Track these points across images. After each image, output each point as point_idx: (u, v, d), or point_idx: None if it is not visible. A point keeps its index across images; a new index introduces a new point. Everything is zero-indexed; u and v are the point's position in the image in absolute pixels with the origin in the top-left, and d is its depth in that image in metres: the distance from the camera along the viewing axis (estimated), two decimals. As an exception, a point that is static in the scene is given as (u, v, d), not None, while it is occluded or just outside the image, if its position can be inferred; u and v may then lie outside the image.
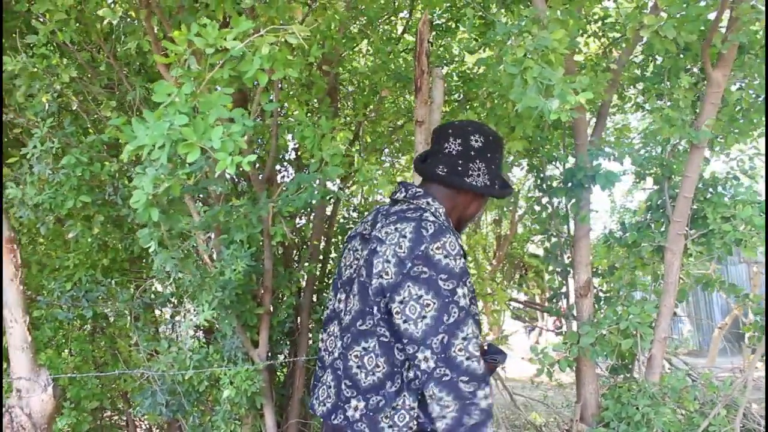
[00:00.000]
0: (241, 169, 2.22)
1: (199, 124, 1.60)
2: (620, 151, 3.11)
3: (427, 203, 1.72)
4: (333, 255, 4.06)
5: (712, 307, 12.67)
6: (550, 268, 3.59)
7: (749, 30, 2.69)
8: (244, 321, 3.04)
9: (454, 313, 1.53)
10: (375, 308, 1.61)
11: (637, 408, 2.84)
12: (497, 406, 4.62)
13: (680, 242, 3.04)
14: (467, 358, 1.51)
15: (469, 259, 7.71)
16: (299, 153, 3.86)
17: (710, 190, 3.22)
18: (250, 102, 3.27)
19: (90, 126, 3.20)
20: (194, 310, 3.25)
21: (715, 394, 3.18)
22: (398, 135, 4.68)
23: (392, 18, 4.70)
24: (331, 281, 3.99)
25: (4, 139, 3.18)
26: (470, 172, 1.75)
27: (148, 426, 4.52)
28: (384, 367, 1.60)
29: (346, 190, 4.37)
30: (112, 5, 3.07)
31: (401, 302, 1.56)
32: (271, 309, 3.23)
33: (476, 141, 1.76)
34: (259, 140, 3.50)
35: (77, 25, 2.80)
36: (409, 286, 1.55)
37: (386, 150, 5.06)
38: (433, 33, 4.31)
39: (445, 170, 1.76)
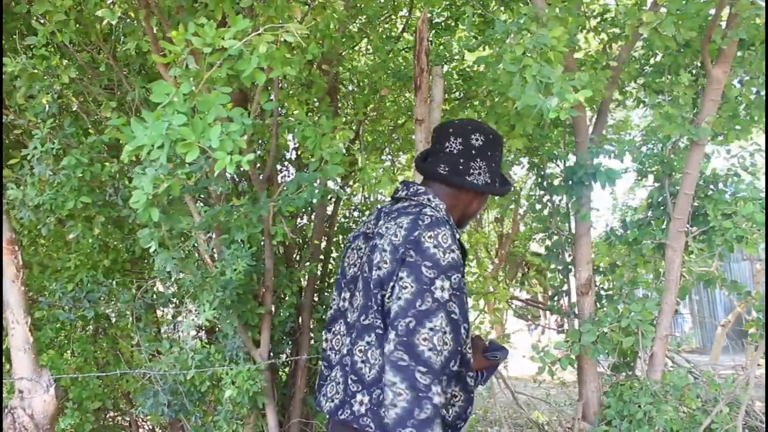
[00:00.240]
0: (241, 168, 2.22)
1: (197, 123, 1.60)
2: (620, 148, 3.10)
3: (428, 200, 1.74)
4: (334, 254, 4.06)
5: (715, 304, 12.65)
6: (552, 266, 3.59)
7: (750, 25, 2.68)
8: (246, 321, 3.04)
9: (428, 301, 1.51)
10: (374, 300, 1.62)
11: (639, 406, 2.84)
12: (500, 405, 4.62)
13: (681, 239, 3.04)
14: (430, 349, 1.47)
15: (471, 257, 7.72)
16: (299, 152, 3.86)
17: (711, 187, 3.21)
18: (250, 102, 3.27)
19: (90, 127, 3.20)
20: (195, 310, 3.26)
21: (717, 392, 3.17)
22: (398, 134, 4.68)
23: (392, 16, 4.70)
24: (332, 280, 4.00)
25: (5, 140, 3.19)
26: (471, 171, 1.77)
27: (150, 426, 4.53)
28: (380, 360, 1.60)
29: (347, 189, 4.37)
30: (111, 6, 3.07)
31: (392, 287, 1.58)
32: (273, 308, 3.23)
33: (477, 140, 1.78)
34: (260, 140, 3.50)
35: (77, 26, 2.80)
36: (397, 270, 1.56)
37: (386, 149, 5.06)
38: (433, 31, 4.31)
39: (447, 169, 1.77)
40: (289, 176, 4.14)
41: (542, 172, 3.50)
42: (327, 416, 1.96)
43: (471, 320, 2.75)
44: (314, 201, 3.02)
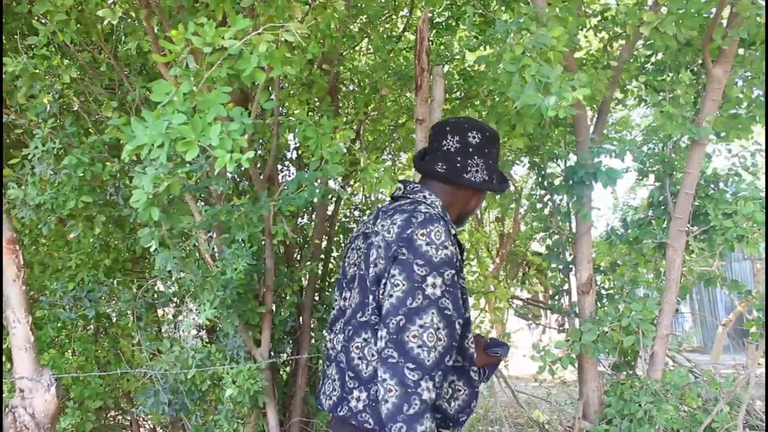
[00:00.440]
0: (242, 168, 2.22)
1: (197, 122, 1.61)
2: (621, 147, 3.10)
3: (424, 197, 1.75)
4: (335, 254, 4.07)
5: (716, 304, 12.64)
6: (552, 265, 3.59)
7: (751, 24, 2.68)
8: (246, 320, 3.04)
9: (419, 299, 1.53)
10: (370, 297, 1.64)
11: (640, 405, 2.84)
12: (500, 404, 4.62)
13: (682, 239, 3.04)
14: (419, 346, 1.50)
15: (472, 257, 7.72)
16: (300, 152, 3.86)
17: (712, 186, 3.21)
18: (250, 101, 3.27)
19: (91, 126, 3.20)
20: (196, 310, 3.26)
21: (717, 391, 3.17)
22: (399, 133, 4.68)
23: (392, 16, 4.70)
24: (332, 280, 4.00)
25: (6, 139, 3.19)
26: (469, 169, 1.78)
27: (151, 426, 4.54)
28: (376, 356, 1.61)
29: (348, 189, 4.37)
30: (112, 6, 3.08)
31: (384, 284, 1.60)
32: (273, 308, 3.23)
33: (474, 137, 1.79)
34: (260, 139, 3.51)
35: (77, 25, 2.80)
36: (390, 268, 1.58)
37: (387, 148, 5.06)
38: (434, 31, 4.31)
39: (444, 167, 1.79)
40: (289, 176, 4.14)
41: (543, 172, 3.50)
42: (329, 414, 1.97)
43: (472, 318, 2.75)
44: (315, 200, 3.03)
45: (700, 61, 3.08)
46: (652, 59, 3.48)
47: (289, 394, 3.68)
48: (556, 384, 6.31)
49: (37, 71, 2.71)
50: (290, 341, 3.67)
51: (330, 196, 3.85)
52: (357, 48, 4.73)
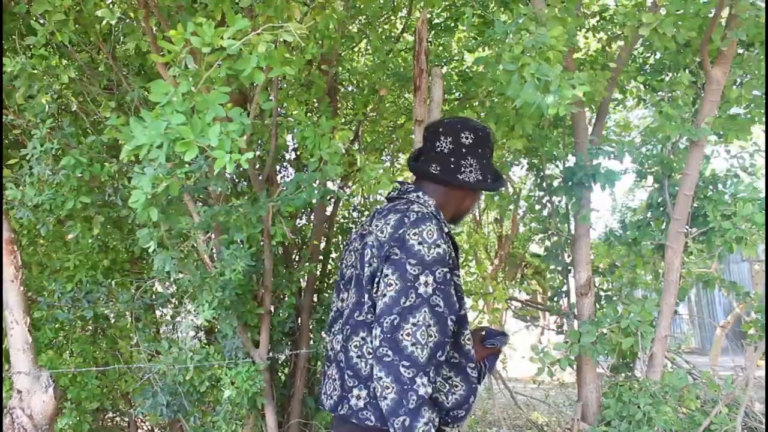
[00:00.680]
0: (240, 168, 2.21)
1: (196, 122, 1.60)
2: (620, 149, 3.10)
3: (417, 196, 1.78)
4: (333, 255, 4.06)
5: (714, 305, 12.64)
6: (551, 267, 3.59)
7: (750, 25, 2.68)
8: (245, 321, 3.03)
9: (412, 298, 1.56)
10: (366, 296, 1.67)
11: (639, 407, 2.83)
12: (499, 406, 4.61)
13: (681, 240, 3.04)
14: (413, 344, 1.53)
15: (471, 258, 7.71)
16: (299, 152, 3.86)
17: (710, 187, 3.21)
18: (249, 102, 3.27)
19: (89, 127, 3.20)
20: (194, 311, 3.26)
21: (716, 393, 3.17)
22: (398, 134, 4.68)
23: (391, 17, 4.69)
24: (331, 281, 4.00)
25: (4, 140, 3.18)
26: (462, 169, 1.80)
27: (149, 427, 4.53)
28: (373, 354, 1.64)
29: (347, 190, 4.37)
30: (111, 6, 3.07)
31: (377, 283, 1.63)
32: (272, 309, 3.23)
33: (466, 138, 1.81)
34: (259, 140, 3.50)
35: (76, 26, 2.80)
36: (383, 268, 1.61)
37: (385, 149, 5.05)
38: (432, 32, 4.31)
39: (438, 168, 1.81)
40: (288, 176, 4.14)
41: (542, 173, 3.50)
42: (329, 415, 1.99)
43: (470, 318, 2.75)
44: (314, 201, 3.02)
45: (698, 60, 3.08)
46: (651, 60, 3.48)
47: (287, 395, 3.67)
48: (554, 386, 6.31)
49: (36, 71, 2.70)
50: (289, 342, 3.66)
51: (329, 198, 3.85)
52: (355, 49, 4.73)
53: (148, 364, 3.17)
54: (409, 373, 1.52)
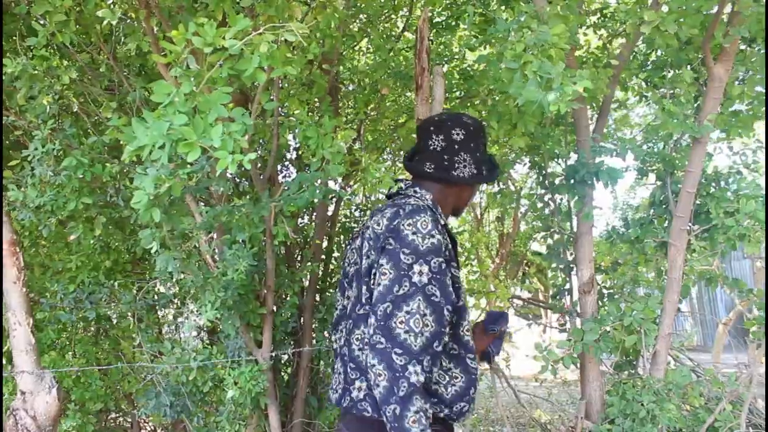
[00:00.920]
0: (242, 168, 2.21)
1: (198, 123, 1.60)
2: (622, 146, 3.09)
3: (414, 191, 1.81)
4: (335, 254, 4.06)
5: (716, 303, 12.64)
6: (553, 265, 3.59)
7: (753, 22, 2.67)
8: (247, 321, 3.03)
9: (405, 286, 1.57)
10: (364, 288, 1.69)
11: (642, 404, 2.83)
12: (502, 404, 4.61)
13: (683, 238, 3.03)
14: (405, 332, 1.54)
15: (472, 256, 7.70)
16: (300, 152, 3.85)
17: (713, 184, 3.20)
18: (251, 102, 3.27)
19: (91, 127, 3.19)
20: (197, 311, 3.26)
21: (720, 390, 3.17)
22: (399, 133, 4.67)
23: (392, 16, 4.69)
24: (334, 280, 4.00)
25: (5, 141, 3.18)
26: (456, 165, 1.83)
27: (152, 427, 4.53)
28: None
29: (348, 189, 4.37)
30: (112, 6, 3.07)
31: (373, 273, 1.65)
32: (274, 309, 3.22)
33: (457, 134, 1.84)
34: (261, 140, 3.50)
35: (77, 26, 2.79)
36: (379, 258, 1.64)
37: (387, 148, 5.05)
38: (434, 30, 4.30)
39: (432, 166, 1.84)
40: (290, 176, 4.13)
41: (544, 171, 3.49)
42: (333, 414, 2.00)
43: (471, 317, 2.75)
44: (316, 201, 3.02)
45: (700, 57, 3.07)
46: (653, 57, 3.47)
47: (290, 395, 3.67)
48: (557, 384, 6.31)
49: (37, 72, 2.70)
50: (291, 342, 3.66)
51: (331, 197, 3.84)
52: (357, 48, 4.72)
53: (151, 365, 3.17)
54: (401, 361, 1.52)
